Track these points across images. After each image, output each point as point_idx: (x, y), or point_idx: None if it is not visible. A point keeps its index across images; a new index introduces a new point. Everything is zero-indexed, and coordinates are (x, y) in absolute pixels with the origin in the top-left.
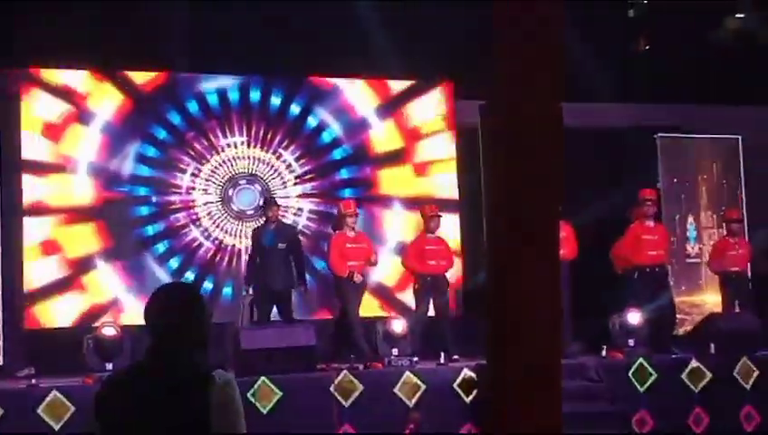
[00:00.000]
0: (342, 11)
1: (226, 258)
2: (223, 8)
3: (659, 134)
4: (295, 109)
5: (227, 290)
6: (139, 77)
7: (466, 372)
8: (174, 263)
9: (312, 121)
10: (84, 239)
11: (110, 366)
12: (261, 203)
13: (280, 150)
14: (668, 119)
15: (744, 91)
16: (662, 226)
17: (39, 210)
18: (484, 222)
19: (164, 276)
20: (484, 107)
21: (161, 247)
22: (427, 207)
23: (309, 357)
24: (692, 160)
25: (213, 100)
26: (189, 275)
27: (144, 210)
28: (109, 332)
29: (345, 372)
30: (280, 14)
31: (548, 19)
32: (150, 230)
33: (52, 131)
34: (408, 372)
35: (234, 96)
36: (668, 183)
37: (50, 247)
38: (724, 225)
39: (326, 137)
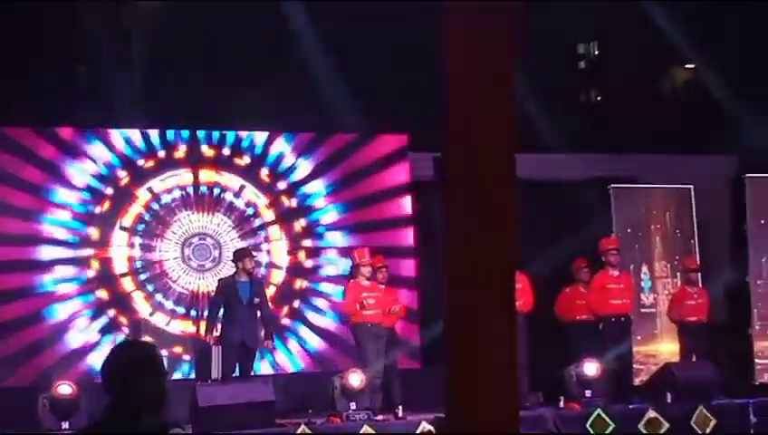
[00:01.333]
0: (294, 65)
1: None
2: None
3: (612, 185)
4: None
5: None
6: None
7: (425, 426)
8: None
9: (267, 172)
10: None
11: (66, 426)
12: (234, 254)
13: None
14: (621, 169)
15: (696, 141)
16: (627, 274)
17: None
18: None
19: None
20: (439, 159)
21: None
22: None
23: (267, 412)
24: (645, 210)
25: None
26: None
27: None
28: (64, 390)
29: (303, 426)
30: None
31: (500, 72)
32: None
33: None
34: (366, 426)
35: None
36: (622, 233)
37: None
38: (680, 274)
39: (281, 186)
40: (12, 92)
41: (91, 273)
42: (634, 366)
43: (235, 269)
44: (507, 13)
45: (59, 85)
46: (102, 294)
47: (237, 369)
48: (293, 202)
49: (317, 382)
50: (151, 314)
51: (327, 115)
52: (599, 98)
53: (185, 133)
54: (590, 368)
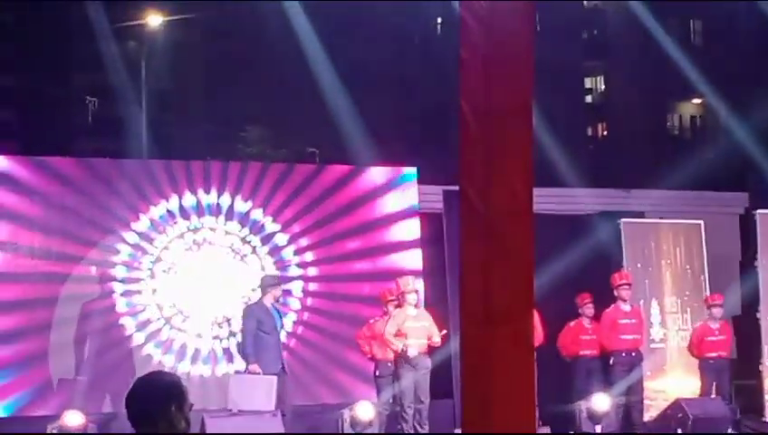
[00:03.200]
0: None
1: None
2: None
3: (623, 219)
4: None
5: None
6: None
7: None
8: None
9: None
10: None
11: None
12: (264, 281)
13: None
14: (632, 204)
15: (704, 177)
16: (638, 309)
17: None
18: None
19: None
20: (448, 192)
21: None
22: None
23: None
24: (655, 245)
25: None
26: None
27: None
28: (73, 420)
29: None
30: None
31: (519, 107)
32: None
33: None
34: None
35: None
36: (633, 268)
37: None
38: (703, 310)
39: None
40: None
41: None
42: (644, 402)
43: (261, 296)
44: (526, 48)
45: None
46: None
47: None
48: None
49: (325, 414)
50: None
51: (334, 146)
52: (605, 132)
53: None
54: (602, 403)
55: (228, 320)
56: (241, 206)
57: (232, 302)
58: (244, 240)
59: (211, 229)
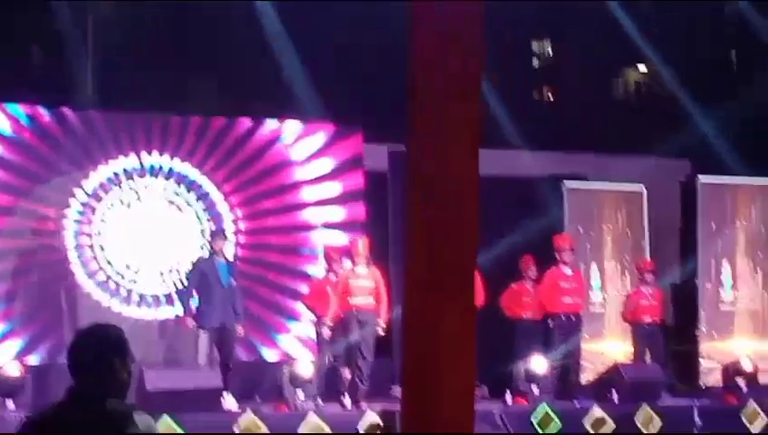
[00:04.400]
0: (255, 53)
1: None
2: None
3: (566, 182)
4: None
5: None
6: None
7: (372, 417)
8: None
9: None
10: None
11: (11, 405)
12: (211, 235)
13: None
14: (575, 168)
15: (648, 142)
16: (580, 273)
17: None
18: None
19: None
20: (393, 153)
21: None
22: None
23: (214, 399)
24: (597, 209)
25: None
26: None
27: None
28: (11, 371)
29: (250, 414)
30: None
31: (468, 70)
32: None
33: None
34: (313, 415)
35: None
36: (574, 231)
37: None
38: (635, 275)
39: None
40: None
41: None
42: (581, 364)
43: (211, 250)
44: (476, 12)
45: None
46: None
47: (218, 352)
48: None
49: (266, 370)
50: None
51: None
52: (551, 96)
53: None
54: (539, 364)
55: (176, 270)
56: (181, 160)
57: (176, 254)
58: (183, 195)
59: (153, 185)
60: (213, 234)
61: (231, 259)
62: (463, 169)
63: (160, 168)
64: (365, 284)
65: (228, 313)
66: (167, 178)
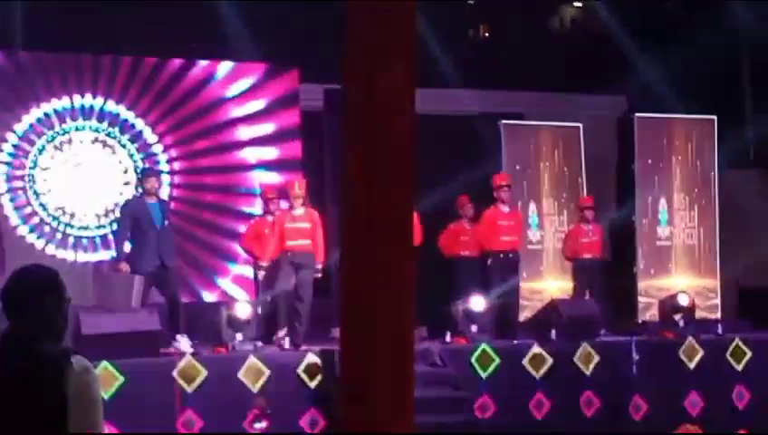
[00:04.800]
0: None
1: None
2: None
3: (503, 121)
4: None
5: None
6: None
7: (311, 358)
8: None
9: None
10: None
11: None
12: (141, 174)
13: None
14: (512, 105)
15: (584, 80)
16: (517, 211)
17: None
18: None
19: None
20: (329, 91)
21: None
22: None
23: (152, 342)
24: (534, 147)
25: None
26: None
27: None
28: None
29: (189, 357)
30: None
31: (401, 4)
32: None
33: None
34: (252, 358)
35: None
36: (512, 169)
37: None
38: (574, 212)
39: (172, 118)
40: None
41: None
42: (520, 302)
43: (141, 190)
44: None
45: None
46: None
47: (163, 293)
48: (175, 138)
49: (203, 313)
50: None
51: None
52: (487, 34)
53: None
54: (477, 303)
55: (110, 212)
56: (112, 102)
57: (110, 195)
58: (116, 136)
59: (85, 127)
60: (143, 173)
61: (164, 199)
62: (399, 106)
63: (92, 108)
64: (302, 225)
65: (166, 252)
66: (99, 120)
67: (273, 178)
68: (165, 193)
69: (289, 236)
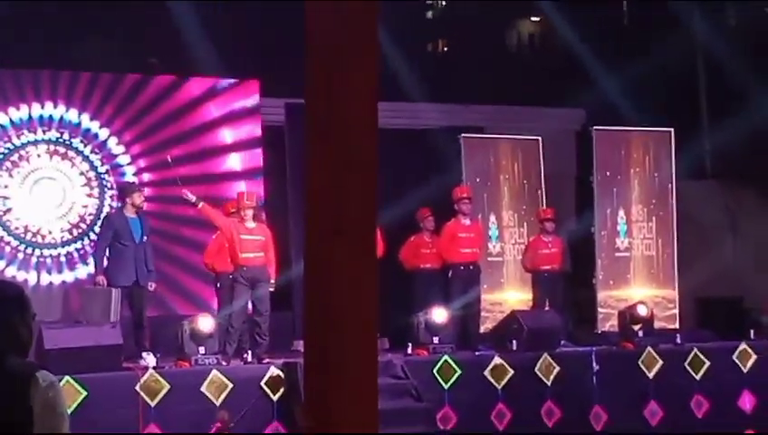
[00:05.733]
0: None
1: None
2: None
3: (463, 135)
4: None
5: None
6: None
7: (274, 371)
8: None
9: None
10: None
11: None
12: (122, 189)
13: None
14: (472, 119)
15: (543, 93)
16: (478, 223)
17: None
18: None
19: None
20: (290, 105)
21: None
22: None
23: (114, 356)
24: (494, 160)
25: None
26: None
27: None
28: None
29: (151, 371)
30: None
31: (363, 17)
32: None
33: None
34: (215, 371)
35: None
36: (472, 182)
37: None
38: (534, 224)
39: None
40: None
41: None
42: (481, 314)
43: (121, 205)
44: None
45: None
46: None
47: (129, 311)
48: (138, 149)
49: (166, 326)
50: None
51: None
52: (446, 48)
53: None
54: (439, 315)
55: (76, 226)
56: (73, 116)
57: (73, 209)
58: (75, 147)
59: (41, 140)
60: (124, 187)
61: (143, 214)
62: (362, 119)
63: (51, 118)
64: (255, 238)
65: (141, 270)
66: (59, 131)
67: (236, 188)
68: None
69: (243, 249)
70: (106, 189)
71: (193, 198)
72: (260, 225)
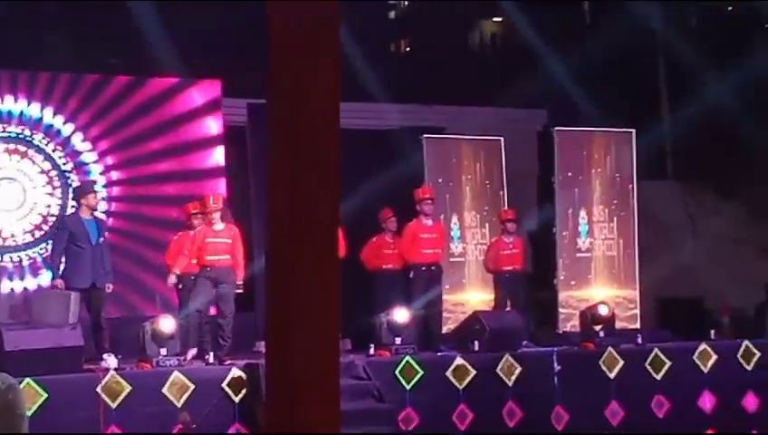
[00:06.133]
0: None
1: None
2: None
3: (425, 135)
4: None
5: None
6: None
7: (236, 372)
8: None
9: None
10: None
11: None
12: (78, 190)
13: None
14: (433, 119)
15: (505, 93)
16: (440, 224)
17: None
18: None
19: None
20: (252, 105)
21: None
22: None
23: (75, 358)
24: (456, 160)
25: None
26: None
27: None
28: None
29: (112, 372)
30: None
31: (325, 16)
32: None
33: None
34: (176, 372)
35: None
36: (434, 183)
37: None
38: (496, 225)
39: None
40: None
41: None
42: (443, 314)
43: (77, 207)
44: None
45: None
46: None
47: (87, 313)
48: (102, 147)
49: (127, 327)
50: None
51: (139, 58)
52: (408, 48)
53: None
54: (401, 315)
55: (38, 227)
56: (35, 111)
57: (34, 211)
58: (38, 148)
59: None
60: (84, 188)
61: (99, 214)
62: (325, 119)
63: (10, 114)
64: (222, 241)
65: (98, 272)
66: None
67: (199, 187)
68: (101, 205)
69: (209, 251)
70: (70, 189)
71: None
72: (228, 226)
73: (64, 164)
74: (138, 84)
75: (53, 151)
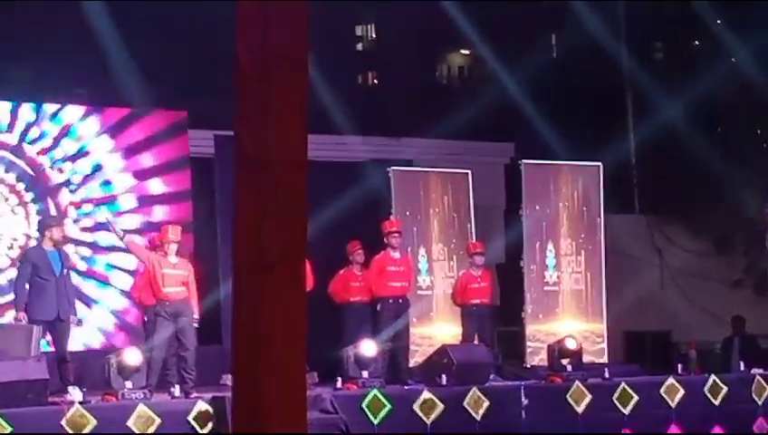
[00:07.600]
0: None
1: None
2: None
3: (393, 167)
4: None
5: None
6: None
7: (202, 405)
8: None
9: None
10: None
11: None
12: (43, 223)
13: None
14: (401, 152)
15: (471, 127)
16: (407, 257)
17: None
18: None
19: None
20: (219, 137)
21: None
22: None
23: (40, 391)
24: (424, 193)
25: None
26: None
27: None
28: None
29: (77, 405)
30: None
31: (294, 54)
32: None
33: None
34: (141, 405)
35: None
36: (402, 215)
37: None
38: (462, 259)
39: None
40: None
41: None
42: (410, 347)
43: (40, 239)
44: None
45: None
46: None
47: (53, 345)
48: (64, 176)
49: (92, 360)
50: None
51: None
52: (376, 81)
53: None
54: (368, 349)
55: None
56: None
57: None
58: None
59: None
60: (49, 222)
61: (62, 246)
62: (292, 150)
63: None
64: (178, 272)
65: (62, 304)
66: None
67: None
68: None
69: (165, 283)
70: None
71: (121, 233)
72: (182, 260)
73: (26, 192)
74: (101, 112)
75: (17, 181)
